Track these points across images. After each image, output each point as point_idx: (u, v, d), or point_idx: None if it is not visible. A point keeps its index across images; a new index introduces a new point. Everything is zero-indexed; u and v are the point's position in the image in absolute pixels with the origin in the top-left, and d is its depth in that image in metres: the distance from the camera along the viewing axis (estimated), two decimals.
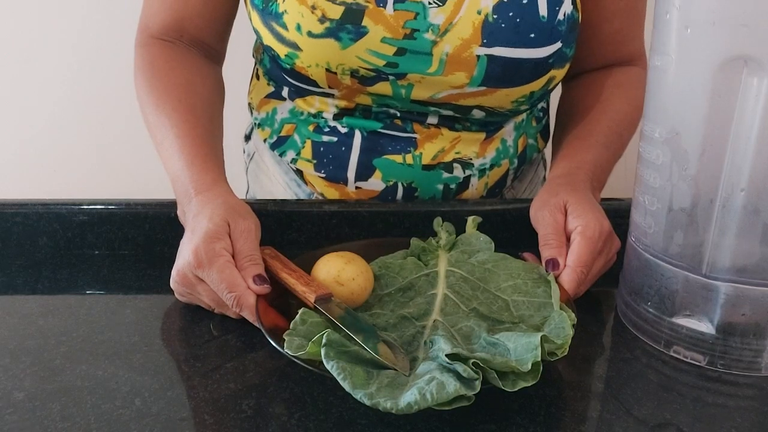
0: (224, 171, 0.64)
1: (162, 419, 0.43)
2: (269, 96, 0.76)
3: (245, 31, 0.79)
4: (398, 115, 0.69)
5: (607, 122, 0.72)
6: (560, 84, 0.83)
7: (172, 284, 0.56)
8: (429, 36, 0.62)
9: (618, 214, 0.63)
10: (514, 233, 0.68)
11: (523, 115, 0.76)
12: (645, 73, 0.78)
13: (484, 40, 0.62)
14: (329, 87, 0.66)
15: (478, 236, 0.60)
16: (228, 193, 0.60)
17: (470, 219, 0.63)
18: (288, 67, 0.66)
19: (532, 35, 0.62)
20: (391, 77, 0.64)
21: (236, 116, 0.82)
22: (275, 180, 0.79)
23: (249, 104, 0.81)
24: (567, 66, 0.68)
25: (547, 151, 0.82)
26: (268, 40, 0.65)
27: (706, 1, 0.44)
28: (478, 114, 0.68)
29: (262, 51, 0.75)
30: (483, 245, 0.59)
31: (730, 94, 0.44)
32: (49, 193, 0.74)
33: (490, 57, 0.62)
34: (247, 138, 0.86)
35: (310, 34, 0.62)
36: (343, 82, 0.65)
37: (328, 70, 0.64)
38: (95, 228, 0.67)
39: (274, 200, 0.72)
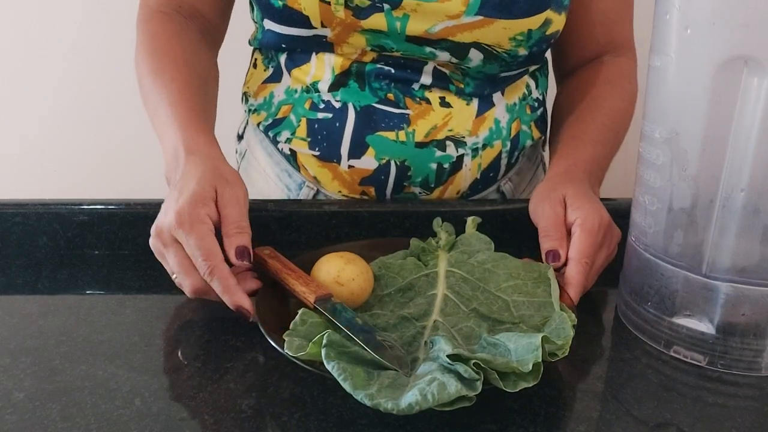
0: (216, 140, 0.62)
1: (162, 419, 0.43)
2: (266, 81, 0.76)
3: (237, 33, 0.80)
4: (391, 88, 0.69)
5: (601, 119, 0.72)
6: (555, 85, 0.84)
7: (150, 241, 0.54)
8: None
9: (618, 214, 0.63)
10: (514, 233, 0.68)
11: (516, 99, 0.75)
12: (635, 65, 0.79)
13: None
14: (322, 25, 0.66)
15: (478, 236, 0.60)
16: (218, 157, 0.59)
17: (470, 219, 0.63)
18: (280, 5, 0.65)
19: None
20: (386, 6, 0.64)
21: (227, 120, 0.82)
22: (265, 174, 0.79)
23: (244, 94, 0.80)
24: (564, 16, 0.68)
25: (546, 153, 0.82)
26: None
27: (706, 1, 0.45)
28: (475, 58, 0.67)
29: (257, 29, 0.75)
30: (483, 245, 0.59)
31: (730, 94, 0.44)
32: (49, 193, 0.73)
33: None
34: (240, 137, 0.86)
35: None
36: (337, 14, 0.64)
37: (321, 0, 0.63)
38: (95, 228, 0.67)
39: (274, 200, 0.72)
